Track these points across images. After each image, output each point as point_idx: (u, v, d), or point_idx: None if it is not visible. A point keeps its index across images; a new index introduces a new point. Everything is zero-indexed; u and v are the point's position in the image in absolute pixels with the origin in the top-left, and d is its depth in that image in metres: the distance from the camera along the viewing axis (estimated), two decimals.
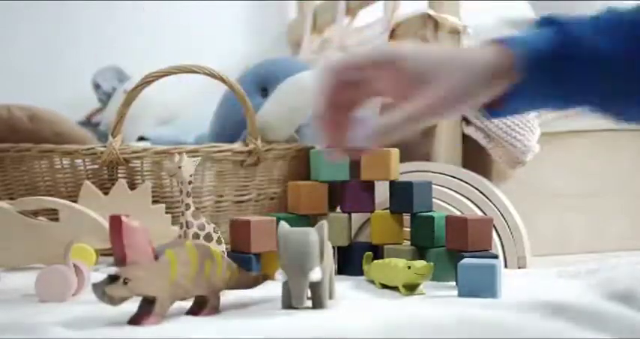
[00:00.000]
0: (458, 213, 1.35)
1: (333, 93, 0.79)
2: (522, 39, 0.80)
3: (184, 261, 0.90)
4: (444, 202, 1.37)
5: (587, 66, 0.79)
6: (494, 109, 0.81)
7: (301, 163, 1.56)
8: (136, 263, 0.86)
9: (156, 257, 0.88)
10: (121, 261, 0.86)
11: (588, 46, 0.80)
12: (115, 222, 0.86)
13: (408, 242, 1.29)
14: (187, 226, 1.06)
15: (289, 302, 0.97)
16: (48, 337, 0.83)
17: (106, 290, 0.84)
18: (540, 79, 0.79)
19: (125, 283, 0.84)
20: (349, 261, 1.29)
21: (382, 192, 1.33)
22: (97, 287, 0.84)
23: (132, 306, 0.90)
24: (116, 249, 0.87)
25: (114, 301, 0.84)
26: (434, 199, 1.33)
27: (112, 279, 0.85)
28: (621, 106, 0.86)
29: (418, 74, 0.76)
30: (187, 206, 1.06)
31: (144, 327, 0.86)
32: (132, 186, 1.39)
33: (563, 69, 0.79)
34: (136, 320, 0.87)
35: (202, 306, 0.94)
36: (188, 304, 0.97)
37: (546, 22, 0.85)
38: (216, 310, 0.95)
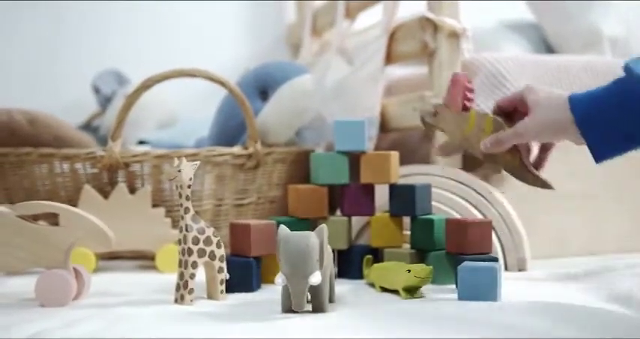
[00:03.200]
0: (458, 216, 1.35)
1: None
2: (581, 99, 1.04)
3: (480, 126, 1.13)
4: (443, 204, 1.37)
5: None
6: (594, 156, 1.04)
7: (301, 167, 1.56)
8: (448, 107, 1.16)
9: (463, 112, 1.15)
10: (445, 101, 1.17)
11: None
12: (453, 80, 1.15)
13: (408, 245, 1.29)
14: (187, 230, 1.06)
15: (289, 306, 0.97)
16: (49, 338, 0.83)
17: (422, 115, 1.18)
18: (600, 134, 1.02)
19: (435, 114, 1.17)
20: (349, 264, 1.29)
21: (382, 195, 1.33)
22: (421, 111, 1.19)
23: (136, 310, 0.90)
24: (450, 96, 1.16)
25: (425, 124, 1.19)
26: (433, 202, 1.34)
27: (432, 113, 1.17)
28: None
29: (529, 105, 1.08)
30: (187, 210, 1.06)
31: (146, 330, 0.86)
32: (132, 190, 1.39)
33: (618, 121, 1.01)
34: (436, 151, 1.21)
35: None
36: (194, 308, 0.97)
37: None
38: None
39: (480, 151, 1.14)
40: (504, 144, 1.11)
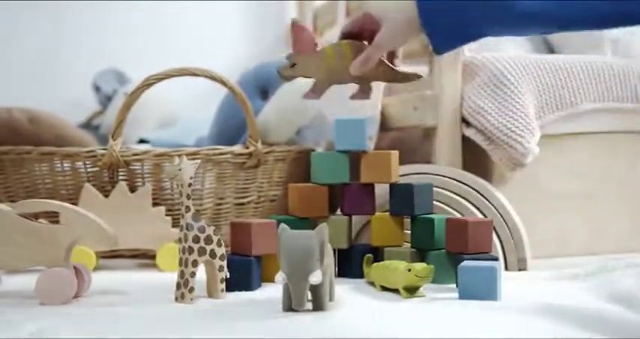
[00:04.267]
0: (458, 215, 1.35)
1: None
2: None
3: (341, 54, 1.14)
4: (444, 204, 1.37)
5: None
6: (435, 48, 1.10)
7: (301, 166, 1.56)
8: (302, 52, 1.15)
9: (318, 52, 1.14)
10: (297, 49, 1.15)
11: None
12: (294, 27, 1.15)
13: (408, 244, 1.29)
14: (187, 229, 1.06)
15: (290, 304, 0.97)
16: (48, 338, 0.83)
17: (279, 70, 1.15)
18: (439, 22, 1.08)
19: (292, 66, 1.15)
20: (349, 263, 1.29)
21: (382, 194, 1.33)
22: (279, 68, 1.15)
23: (134, 310, 0.90)
24: (295, 45, 1.16)
25: (284, 77, 1.16)
26: (434, 202, 1.34)
27: (289, 66, 1.15)
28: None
29: (377, 21, 1.14)
30: (187, 208, 1.06)
31: (146, 328, 0.86)
32: (132, 188, 1.39)
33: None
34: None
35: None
36: (192, 306, 0.97)
37: None
38: (367, 95, 1.18)
39: (351, 77, 1.17)
40: (371, 59, 1.15)
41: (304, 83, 1.51)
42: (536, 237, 1.44)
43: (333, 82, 1.19)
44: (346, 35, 1.17)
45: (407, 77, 1.20)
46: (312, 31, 1.20)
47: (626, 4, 0.96)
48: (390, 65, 1.18)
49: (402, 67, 1.20)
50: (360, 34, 1.17)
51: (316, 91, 1.20)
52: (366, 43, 1.16)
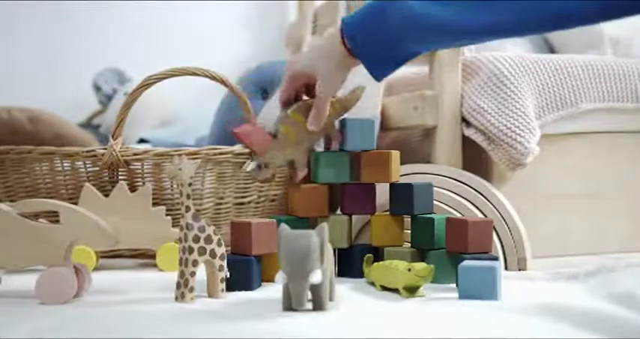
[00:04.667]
0: (458, 215, 1.35)
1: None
2: (349, 26, 1.12)
3: (292, 123, 1.15)
4: (444, 204, 1.37)
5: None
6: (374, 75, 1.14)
7: None
8: (263, 149, 1.16)
9: (274, 136, 1.16)
10: (260, 153, 1.16)
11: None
12: (236, 135, 1.15)
13: (409, 244, 1.29)
14: (188, 228, 1.06)
15: (290, 304, 0.97)
16: (48, 338, 0.83)
17: (258, 177, 1.17)
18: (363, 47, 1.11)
19: (267, 166, 1.16)
20: (349, 263, 1.29)
21: (382, 194, 1.33)
22: (253, 173, 1.17)
23: (133, 307, 0.90)
24: (254, 147, 1.16)
25: (268, 180, 1.20)
26: (434, 201, 1.34)
27: (259, 167, 1.17)
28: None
29: (309, 76, 1.17)
30: (187, 208, 1.06)
31: (145, 328, 0.86)
32: (132, 188, 1.39)
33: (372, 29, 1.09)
34: (293, 179, 1.21)
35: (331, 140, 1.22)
36: (190, 306, 0.97)
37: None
38: (338, 140, 1.24)
39: (317, 133, 1.20)
40: (322, 111, 1.18)
41: None
42: (536, 237, 1.44)
43: (307, 148, 1.21)
44: (287, 103, 1.21)
45: (355, 96, 1.24)
46: (255, 126, 1.22)
47: (550, 4, 0.96)
48: (334, 98, 1.20)
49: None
50: (297, 94, 1.20)
51: (301, 166, 1.21)
52: (306, 98, 1.19)
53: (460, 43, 1.11)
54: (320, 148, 1.67)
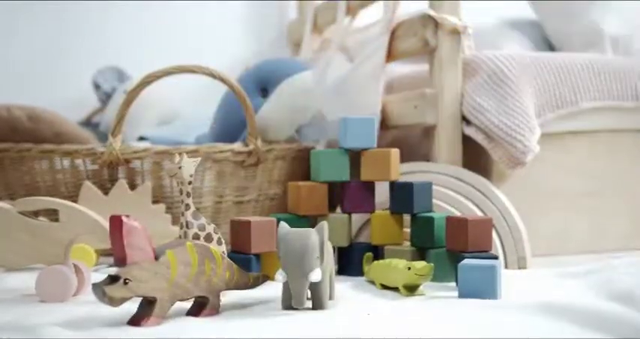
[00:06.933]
0: (458, 213, 1.35)
1: None
2: None
3: (185, 261, 0.91)
4: (444, 202, 1.37)
5: None
6: None
7: (301, 164, 1.56)
8: (137, 263, 0.86)
9: (156, 257, 0.88)
10: (121, 261, 0.86)
11: None
12: (116, 222, 0.86)
13: (408, 243, 1.29)
14: (187, 227, 1.06)
15: (289, 303, 0.97)
16: (48, 337, 0.83)
17: (106, 291, 0.83)
18: None
19: (126, 283, 0.84)
20: (349, 261, 1.29)
21: (382, 192, 1.33)
22: (96, 288, 0.84)
23: (132, 306, 0.90)
24: (116, 249, 0.86)
25: (114, 301, 0.84)
26: (434, 200, 1.33)
27: (113, 279, 0.84)
28: None
29: None
30: (187, 206, 1.06)
31: (144, 328, 0.86)
32: (132, 186, 1.39)
33: None
34: (135, 321, 0.88)
35: (203, 306, 0.94)
36: (188, 304, 0.97)
37: None
38: (216, 310, 0.95)
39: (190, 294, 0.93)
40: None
41: (304, 80, 1.51)
42: (536, 235, 1.44)
43: (171, 298, 0.92)
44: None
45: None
46: (145, 231, 0.89)
47: None
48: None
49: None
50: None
51: (158, 313, 0.89)
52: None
53: None
54: (320, 146, 1.67)
